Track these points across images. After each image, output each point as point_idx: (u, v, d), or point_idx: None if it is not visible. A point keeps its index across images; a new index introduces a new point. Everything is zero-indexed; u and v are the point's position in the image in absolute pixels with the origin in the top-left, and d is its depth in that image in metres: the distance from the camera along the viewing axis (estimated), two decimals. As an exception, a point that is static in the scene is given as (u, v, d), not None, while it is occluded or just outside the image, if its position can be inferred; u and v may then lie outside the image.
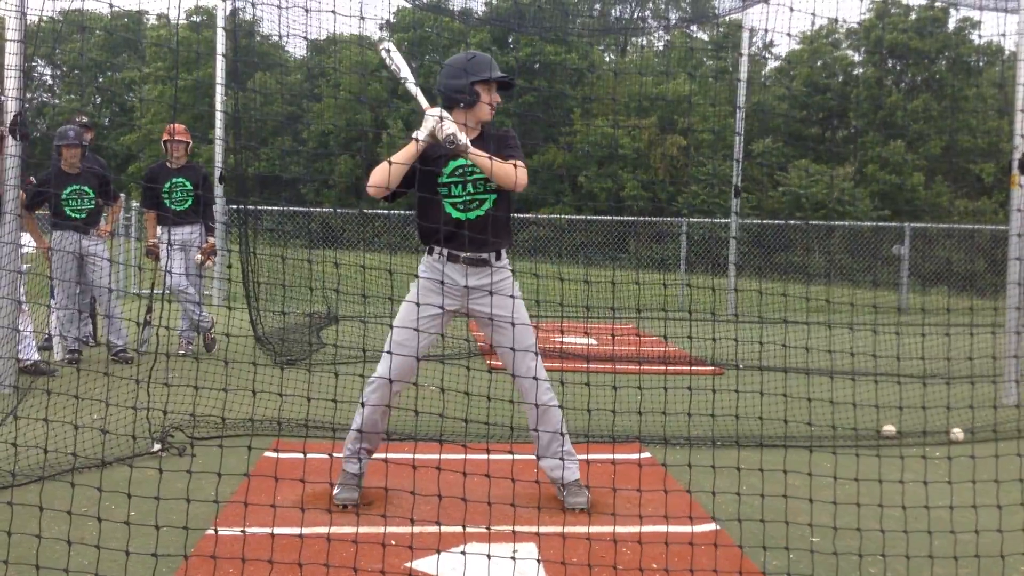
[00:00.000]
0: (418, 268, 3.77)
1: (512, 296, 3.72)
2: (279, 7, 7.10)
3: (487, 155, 3.54)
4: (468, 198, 3.69)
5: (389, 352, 3.62)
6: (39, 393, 3.56)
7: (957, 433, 5.14)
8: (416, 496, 3.16)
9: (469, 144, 3.55)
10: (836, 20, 24.53)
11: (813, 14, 5.31)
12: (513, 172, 3.60)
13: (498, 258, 3.75)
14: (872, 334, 3.71)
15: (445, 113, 3.56)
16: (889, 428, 5.18)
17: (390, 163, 3.51)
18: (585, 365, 7.16)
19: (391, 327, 3.68)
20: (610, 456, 3.92)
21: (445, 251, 3.69)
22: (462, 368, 3.93)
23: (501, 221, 3.73)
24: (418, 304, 3.59)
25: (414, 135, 3.57)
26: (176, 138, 7.48)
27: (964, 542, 3.28)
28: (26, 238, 6.43)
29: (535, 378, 3.65)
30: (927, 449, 4.73)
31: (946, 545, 3.29)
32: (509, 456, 3.82)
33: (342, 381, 3.59)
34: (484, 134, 3.73)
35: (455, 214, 3.69)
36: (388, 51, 3.70)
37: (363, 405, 3.66)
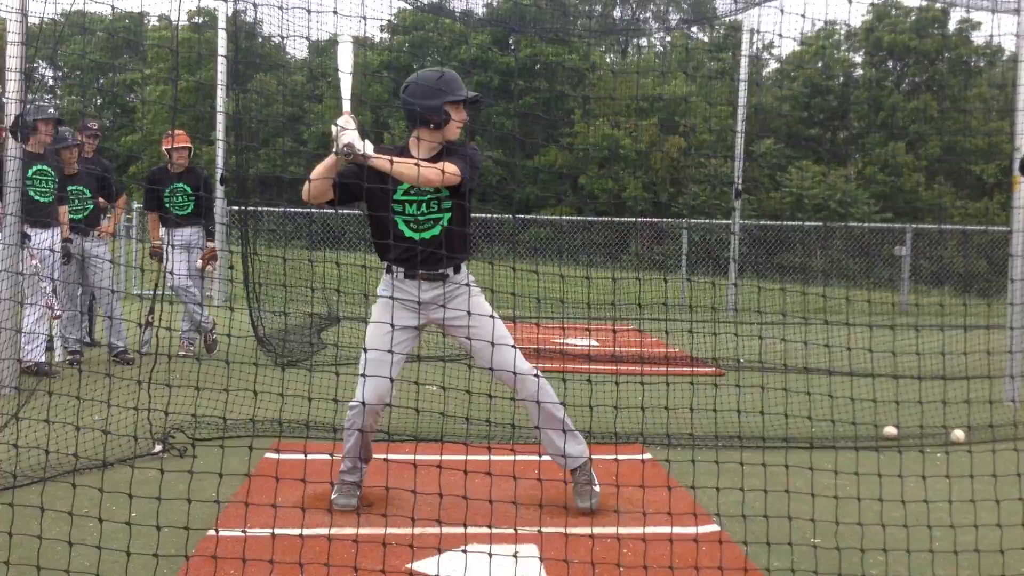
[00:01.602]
0: (378, 287, 3.76)
1: (471, 295, 3.65)
2: (280, 8, 7.09)
3: (388, 158, 3.38)
4: (422, 217, 3.64)
5: (363, 376, 3.58)
6: (40, 394, 3.56)
7: (958, 434, 5.13)
8: (417, 496, 3.16)
9: (370, 152, 3.41)
10: (834, 22, 24.56)
11: (812, 16, 5.31)
12: (433, 174, 3.42)
13: (456, 271, 3.71)
14: (871, 333, 3.71)
15: (348, 121, 3.41)
16: (890, 430, 5.16)
17: (310, 180, 3.52)
18: (587, 366, 7.15)
19: (364, 350, 3.64)
20: (612, 456, 3.92)
21: (401, 270, 3.67)
22: (463, 367, 3.93)
23: (457, 236, 3.68)
24: (392, 326, 3.58)
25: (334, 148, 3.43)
26: (177, 144, 7.47)
27: (964, 538, 3.28)
28: (39, 239, 6.42)
29: (514, 373, 3.59)
30: (927, 447, 4.72)
31: (946, 541, 3.30)
32: (511, 456, 3.81)
33: (343, 382, 3.59)
34: (445, 150, 3.64)
35: (408, 232, 3.65)
36: (347, 41, 3.66)
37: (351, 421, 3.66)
